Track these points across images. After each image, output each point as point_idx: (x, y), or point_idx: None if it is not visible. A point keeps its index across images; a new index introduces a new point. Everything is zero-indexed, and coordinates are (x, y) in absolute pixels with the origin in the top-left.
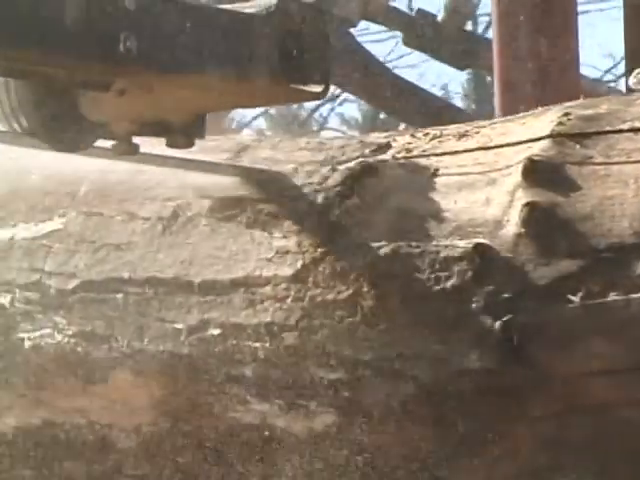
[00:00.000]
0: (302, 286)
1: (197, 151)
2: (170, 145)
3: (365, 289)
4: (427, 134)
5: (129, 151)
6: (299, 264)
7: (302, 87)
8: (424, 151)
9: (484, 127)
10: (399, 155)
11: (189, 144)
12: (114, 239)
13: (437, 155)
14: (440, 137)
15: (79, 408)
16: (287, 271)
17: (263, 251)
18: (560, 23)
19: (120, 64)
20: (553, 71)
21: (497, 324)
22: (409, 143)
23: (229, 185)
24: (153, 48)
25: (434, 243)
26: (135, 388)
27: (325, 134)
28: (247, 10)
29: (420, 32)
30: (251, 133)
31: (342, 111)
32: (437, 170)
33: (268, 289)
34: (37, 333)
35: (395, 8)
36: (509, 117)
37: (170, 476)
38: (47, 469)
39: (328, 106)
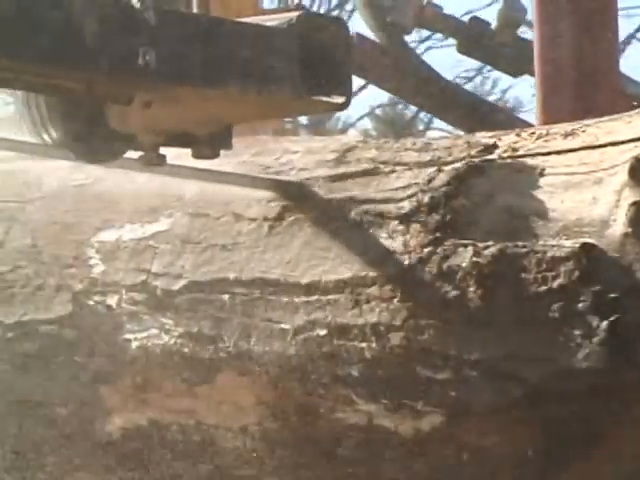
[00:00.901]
0: (408, 286)
1: (304, 151)
2: (196, 156)
3: (471, 289)
4: (533, 133)
5: (156, 162)
6: (405, 264)
7: (324, 98)
8: (530, 150)
9: (590, 126)
10: (505, 155)
11: (214, 155)
12: (220, 240)
13: (543, 154)
14: (546, 136)
15: (185, 409)
16: (393, 271)
17: (369, 251)
18: (601, 26)
19: (139, 78)
20: (595, 74)
21: (604, 324)
22: (515, 142)
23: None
24: (172, 62)
25: (541, 243)
26: (241, 389)
27: (431, 134)
28: (269, 23)
29: (475, 39)
30: (356, 133)
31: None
32: (543, 170)
33: (374, 289)
34: (144, 334)
35: (450, 15)
36: (615, 116)
37: (278, 476)
38: (154, 469)
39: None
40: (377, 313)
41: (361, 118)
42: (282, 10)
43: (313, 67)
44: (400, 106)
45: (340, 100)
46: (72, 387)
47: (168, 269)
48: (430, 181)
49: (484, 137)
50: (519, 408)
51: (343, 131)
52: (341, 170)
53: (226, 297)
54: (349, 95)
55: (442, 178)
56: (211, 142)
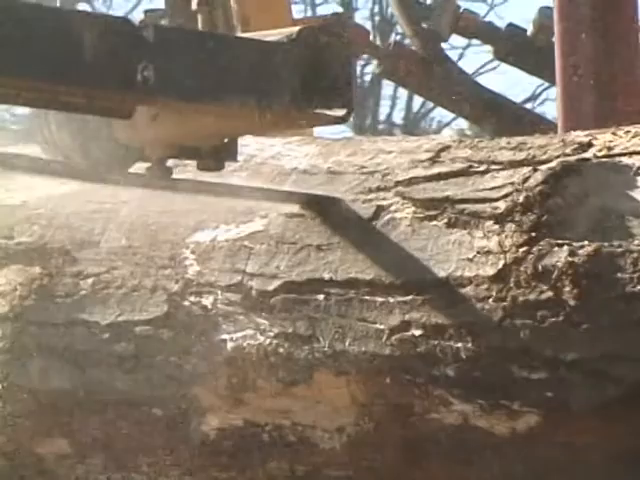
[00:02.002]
0: (504, 286)
1: (398, 151)
2: (201, 168)
3: (567, 289)
4: (628, 132)
5: (163, 174)
6: (501, 264)
7: (325, 111)
8: (626, 149)
9: None
10: (600, 153)
11: (219, 167)
12: (315, 240)
13: (639, 153)
14: None
15: (281, 409)
16: (488, 271)
17: (464, 251)
18: (622, 33)
19: (138, 93)
20: (615, 80)
21: None
22: (610, 141)
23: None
24: (171, 77)
25: (636, 242)
26: (337, 389)
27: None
28: (269, 38)
29: (511, 46)
30: (451, 133)
31: (543, 110)
32: (639, 169)
33: (469, 289)
34: (239, 334)
35: (486, 22)
36: None
37: (373, 477)
38: (250, 469)
39: (529, 105)
40: (473, 313)
41: (456, 117)
42: (314, 20)
43: (315, 81)
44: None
45: (341, 112)
46: (168, 388)
47: (263, 269)
48: (525, 180)
49: (579, 136)
50: (615, 407)
51: (437, 131)
52: (436, 170)
53: (321, 297)
54: (350, 107)
55: (537, 177)
56: (215, 154)
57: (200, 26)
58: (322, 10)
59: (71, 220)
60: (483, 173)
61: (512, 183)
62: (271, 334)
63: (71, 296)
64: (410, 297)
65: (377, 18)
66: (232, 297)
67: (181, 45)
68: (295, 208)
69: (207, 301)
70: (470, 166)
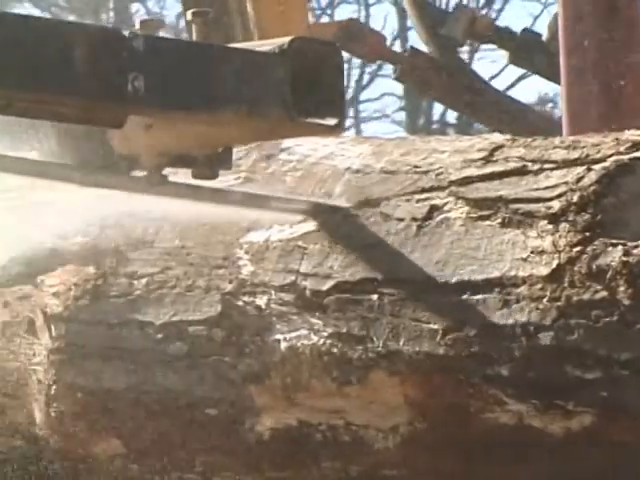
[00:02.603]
0: (558, 286)
1: (451, 150)
2: (195, 176)
3: (621, 288)
4: None
5: (159, 182)
6: (555, 264)
7: (317, 121)
8: None
9: None
10: None
11: (213, 175)
12: (369, 240)
13: None
14: None
15: (335, 409)
16: (543, 271)
17: (518, 251)
18: (626, 38)
19: (128, 103)
20: (623, 87)
21: None
22: None
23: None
24: (161, 87)
25: None
26: (391, 388)
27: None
28: (261, 48)
29: (526, 51)
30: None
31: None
32: None
33: (523, 289)
34: (293, 334)
35: (502, 27)
36: None
37: (426, 477)
38: (304, 470)
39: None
40: (526, 313)
41: None
42: (330, 26)
43: (307, 90)
44: (550, 104)
45: (333, 122)
46: (222, 387)
47: (317, 269)
48: (579, 180)
49: (633, 134)
50: None
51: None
52: (489, 169)
53: (375, 297)
54: (342, 117)
55: (591, 177)
56: (209, 163)
57: (194, 37)
58: (374, 10)
59: (124, 220)
60: (537, 172)
61: (566, 182)
62: (325, 334)
63: (125, 296)
64: (464, 297)
65: None
66: (286, 297)
67: (171, 55)
68: (348, 209)
69: (261, 301)
70: (524, 165)
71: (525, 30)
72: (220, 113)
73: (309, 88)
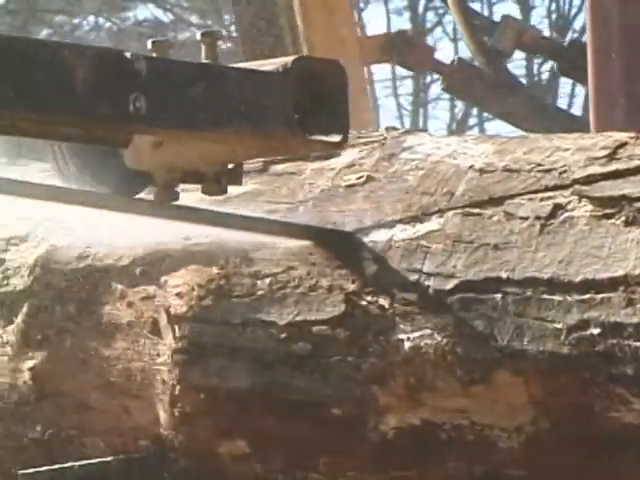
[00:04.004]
0: None
1: (575, 148)
2: (205, 192)
3: None
4: None
5: (171, 198)
6: None
7: (321, 138)
8: None
9: None
10: None
11: (222, 192)
12: (492, 239)
13: None
14: None
15: (460, 408)
16: None
17: None
18: None
19: (131, 122)
20: None
21: None
22: None
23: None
24: (163, 107)
25: None
26: (515, 388)
27: None
28: (264, 68)
29: (573, 61)
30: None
31: None
32: None
33: None
34: (416, 334)
35: (549, 38)
36: None
37: (552, 476)
38: (428, 469)
39: None
40: None
41: None
42: (379, 37)
43: (310, 108)
44: None
45: (336, 139)
46: (345, 387)
47: (440, 269)
48: None
49: None
50: None
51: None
52: (613, 167)
53: (498, 296)
54: (346, 134)
55: None
56: (218, 179)
57: (203, 57)
58: (499, 9)
59: None
60: None
61: None
62: (448, 333)
63: (248, 296)
64: (588, 296)
65: (554, 15)
66: (409, 296)
67: (173, 76)
68: (472, 207)
69: (384, 301)
70: None
71: (573, 41)
72: (223, 132)
73: (312, 106)
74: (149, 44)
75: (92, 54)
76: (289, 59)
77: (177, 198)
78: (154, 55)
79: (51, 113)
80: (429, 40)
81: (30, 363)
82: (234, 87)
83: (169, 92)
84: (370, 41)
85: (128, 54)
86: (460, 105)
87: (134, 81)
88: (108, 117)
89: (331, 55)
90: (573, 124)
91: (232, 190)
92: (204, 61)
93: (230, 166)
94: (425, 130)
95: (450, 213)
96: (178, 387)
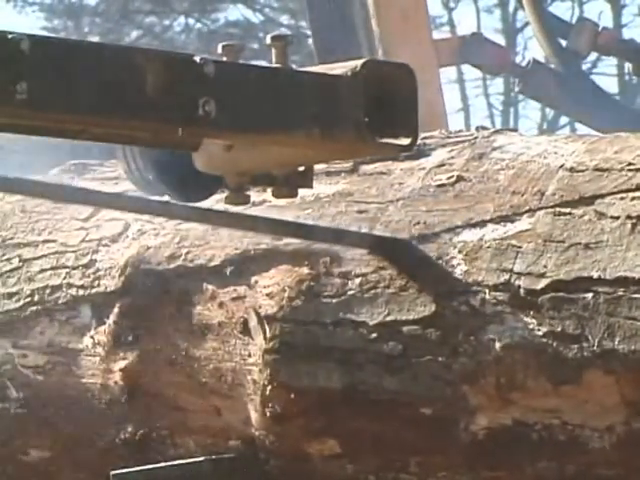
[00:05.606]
0: None
1: None
2: (275, 196)
3: None
4: None
5: (241, 202)
6: None
7: (390, 141)
8: None
9: None
10: None
11: (293, 195)
12: (583, 238)
13: None
14: None
15: (550, 408)
16: None
17: None
18: None
19: (200, 126)
20: None
21: None
22: None
23: None
24: (232, 111)
25: None
26: (606, 388)
27: None
28: (334, 71)
29: None
30: None
31: None
32: None
33: None
34: (507, 333)
35: (625, 40)
36: None
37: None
38: (519, 469)
39: None
40: None
41: None
42: (453, 40)
43: (380, 111)
44: None
45: (406, 142)
46: (436, 387)
47: (531, 268)
48: None
49: None
50: None
51: None
52: None
53: (589, 296)
54: (415, 136)
55: None
56: (289, 182)
57: (273, 60)
58: (589, 7)
59: (336, 220)
60: None
61: None
62: (539, 333)
63: (339, 296)
64: None
65: None
66: (500, 296)
67: (242, 79)
68: (563, 206)
69: (475, 300)
70: None
71: None
72: (293, 135)
73: (382, 109)
74: (219, 48)
75: (162, 58)
76: (358, 63)
77: (248, 201)
78: (224, 59)
79: (121, 118)
80: (518, 39)
81: (121, 364)
82: (304, 91)
83: (238, 96)
84: (444, 44)
85: (197, 58)
86: None
87: (203, 85)
88: (177, 121)
89: (406, 58)
90: None
91: (321, 190)
92: (274, 65)
93: (301, 169)
94: (515, 130)
95: (541, 213)
96: (269, 387)
